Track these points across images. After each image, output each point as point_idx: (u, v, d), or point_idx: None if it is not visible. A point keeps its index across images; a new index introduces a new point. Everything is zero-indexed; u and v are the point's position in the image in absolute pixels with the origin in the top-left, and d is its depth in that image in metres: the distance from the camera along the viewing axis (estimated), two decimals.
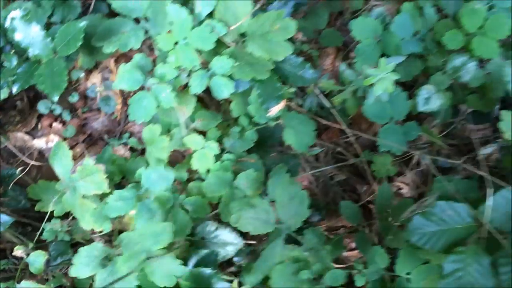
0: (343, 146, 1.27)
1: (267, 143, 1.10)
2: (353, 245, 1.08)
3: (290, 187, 0.80)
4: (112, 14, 0.94)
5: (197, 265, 0.80)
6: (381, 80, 0.87)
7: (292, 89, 0.95)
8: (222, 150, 0.95)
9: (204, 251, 0.82)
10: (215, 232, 0.96)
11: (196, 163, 0.88)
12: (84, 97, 1.22)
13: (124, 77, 0.82)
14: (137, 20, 0.92)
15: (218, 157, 0.92)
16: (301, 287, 0.77)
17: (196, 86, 0.86)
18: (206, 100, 1.10)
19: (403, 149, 1.03)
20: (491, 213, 0.77)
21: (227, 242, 0.91)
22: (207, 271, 0.77)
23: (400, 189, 1.17)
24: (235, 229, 0.87)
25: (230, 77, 0.86)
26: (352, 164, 1.24)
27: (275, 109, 0.89)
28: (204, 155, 0.89)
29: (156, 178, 0.84)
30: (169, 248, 0.80)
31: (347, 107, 1.06)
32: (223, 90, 0.86)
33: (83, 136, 1.23)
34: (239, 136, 0.98)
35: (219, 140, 0.97)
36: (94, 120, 1.24)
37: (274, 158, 1.09)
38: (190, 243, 0.96)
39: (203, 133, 0.95)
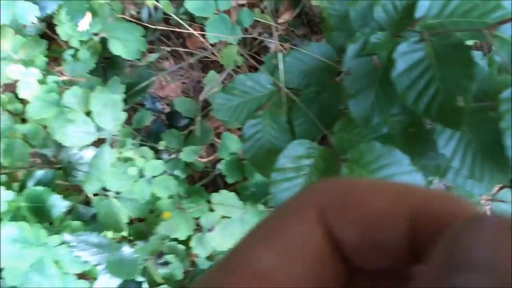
0: (209, 49, 1.30)
1: (117, 60, 1.13)
2: None
3: (102, 95, 0.84)
4: None
5: (35, 185, 0.87)
6: None
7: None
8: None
9: (40, 172, 0.89)
10: (79, 153, 1.03)
11: (23, 92, 0.92)
12: None
13: None
14: None
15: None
16: (132, 182, 0.84)
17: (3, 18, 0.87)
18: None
19: (238, 37, 1.06)
20: (285, 75, 0.82)
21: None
22: (40, 188, 0.83)
23: None
24: None
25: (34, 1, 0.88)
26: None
27: (84, 23, 0.91)
28: (27, 83, 0.92)
29: None
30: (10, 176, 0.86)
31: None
32: (28, 14, 0.88)
33: None
34: (74, 59, 1.01)
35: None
36: None
37: (128, 74, 1.13)
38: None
39: (32, 62, 0.97)
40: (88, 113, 0.88)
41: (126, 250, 0.73)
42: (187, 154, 0.84)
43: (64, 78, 1.05)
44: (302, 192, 0.18)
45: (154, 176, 0.84)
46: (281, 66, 0.81)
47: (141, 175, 0.83)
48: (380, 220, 0.16)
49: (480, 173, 0.62)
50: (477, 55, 0.70)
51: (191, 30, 1.13)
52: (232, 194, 0.94)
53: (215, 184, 1.39)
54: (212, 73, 1.00)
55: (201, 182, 1.27)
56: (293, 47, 0.83)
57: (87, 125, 0.83)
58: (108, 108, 0.82)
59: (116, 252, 0.73)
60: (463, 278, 0.12)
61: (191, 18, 1.24)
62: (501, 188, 1.51)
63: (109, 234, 0.96)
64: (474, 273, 0.12)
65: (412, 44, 0.58)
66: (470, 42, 0.62)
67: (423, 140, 0.72)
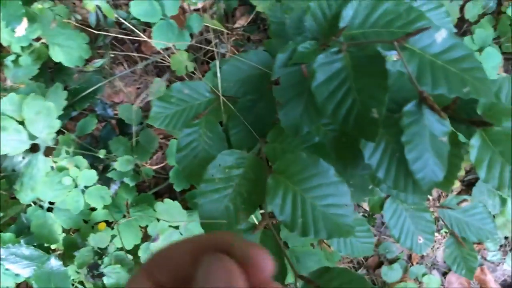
0: (164, 56, 1.28)
1: (65, 66, 1.10)
2: None
3: (35, 102, 0.82)
4: None
5: None
6: None
7: (42, 5, 0.94)
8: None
9: None
10: (24, 161, 1.00)
11: None
12: None
13: None
14: None
15: None
16: (67, 192, 0.82)
17: None
18: None
19: (187, 43, 1.05)
20: (223, 83, 0.81)
21: None
22: None
23: None
24: None
25: None
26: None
27: (20, 29, 0.89)
28: None
29: None
30: None
31: None
32: None
33: None
34: (15, 65, 0.99)
35: None
36: None
37: (76, 79, 1.10)
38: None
39: None
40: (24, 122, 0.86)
41: (54, 262, 0.71)
42: (121, 164, 0.82)
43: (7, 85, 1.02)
44: (140, 267, 0.28)
45: (87, 187, 0.81)
46: (218, 74, 0.80)
47: (75, 185, 0.81)
48: (176, 266, 0.27)
49: (404, 184, 0.62)
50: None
51: (142, 36, 1.11)
52: (176, 203, 0.93)
53: (171, 191, 1.37)
54: (157, 80, 0.98)
55: (154, 190, 1.25)
56: (232, 55, 0.82)
57: (20, 133, 0.80)
58: (42, 115, 0.80)
59: (44, 265, 0.71)
60: None
61: (145, 23, 1.22)
62: (447, 195, 1.53)
63: (52, 246, 0.93)
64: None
65: (331, 54, 0.57)
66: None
67: (356, 150, 0.72)
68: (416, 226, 1.02)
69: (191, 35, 1.08)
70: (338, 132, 0.72)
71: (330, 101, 0.57)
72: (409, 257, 1.54)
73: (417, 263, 1.52)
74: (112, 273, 0.90)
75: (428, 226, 1.01)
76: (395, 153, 0.62)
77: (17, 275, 0.78)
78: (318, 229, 0.59)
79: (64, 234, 0.87)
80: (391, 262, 1.49)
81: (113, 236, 0.92)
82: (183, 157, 0.77)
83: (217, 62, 0.81)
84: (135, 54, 1.22)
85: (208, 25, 1.11)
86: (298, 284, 0.55)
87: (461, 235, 1.02)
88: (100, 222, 0.82)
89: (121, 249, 0.96)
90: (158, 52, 1.31)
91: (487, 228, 1.03)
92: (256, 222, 0.67)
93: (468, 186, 1.53)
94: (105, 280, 0.89)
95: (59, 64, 1.15)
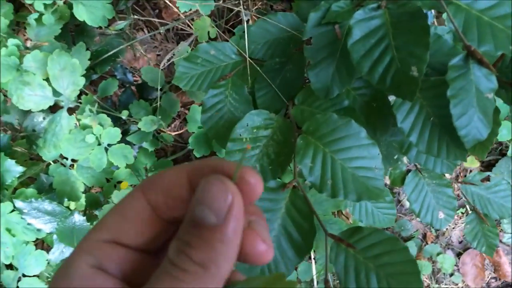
0: (185, 22, 1.26)
1: (86, 28, 1.09)
2: None
3: (60, 58, 0.81)
4: None
5: None
6: None
7: None
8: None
9: None
10: (44, 122, 1.01)
11: None
12: None
13: None
14: None
15: None
16: (90, 149, 0.81)
17: None
18: None
19: (211, 8, 1.02)
20: (250, 45, 0.79)
21: None
22: None
23: None
24: None
25: None
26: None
27: None
28: None
29: None
30: None
31: None
32: None
33: None
34: (38, 24, 0.98)
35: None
36: None
37: (98, 42, 1.09)
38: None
39: None
40: (48, 80, 0.85)
41: (77, 218, 0.71)
42: (146, 124, 0.82)
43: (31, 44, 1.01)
44: (136, 186, 0.29)
45: (110, 145, 0.81)
46: (246, 36, 0.78)
47: (98, 143, 0.81)
48: (170, 185, 0.28)
49: (437, 149, 0.60)
50: (442, 29, 0.68)
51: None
52: None
53: (189, 159, 1.37)
54: (182, 44, 0.96)
55: (173, 157, 1.25)
56: (260, 16, 0.80)
57: (44, 88, 0.80)
58: (67, 72, 0.79)
59: (67, 220, 0.71)
60: (198, 209, 0.25)
61: None
62: (470, 171, 1.51)
63: (72, 205, 0.93)
64: (201, 205, 0.25)
65: (369, 11, 0.55)
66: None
67: (386, 115, 0.70)
68: (437, 201, 1.00)
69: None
70: (369, 97, 0.71)
71: (366, 59, 0.55)
72: (424, 236, 1.53)
73: (431, 242, 1.51)
74: None
75: (450, 202, 1.00)
76: (430, 117, 0.61)
77: (38, 230, 0.78)
78: (348, 191, 0.58)
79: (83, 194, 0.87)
80: (406, 240, 1.48)
81: None
82: (208, 118, 0.76)
83: (245, 23, 0.79)
84: (156, 20, 1.20)
85: None
86: (327, 242, 0.54)
87: (483, 211, 1.01)
88: (122, 181, 0.82)
89: None
90: (178, 19, 1.29)
91: (510, 205, 1.01)
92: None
93: (488, 167, 1.50)
94: None
95: (80, 26, 1.14)
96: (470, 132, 0.47)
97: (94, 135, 0.80)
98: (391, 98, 0.72)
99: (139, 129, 1.02)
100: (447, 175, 1.46)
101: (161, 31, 1.18)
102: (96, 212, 0.81)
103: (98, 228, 0.27)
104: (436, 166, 0.74)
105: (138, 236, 0.27)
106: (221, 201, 0.24)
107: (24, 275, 0.83)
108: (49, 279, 0.90)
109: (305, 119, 0.69)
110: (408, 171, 1.02)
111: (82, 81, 0.80)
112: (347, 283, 0.50)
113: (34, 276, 0.86)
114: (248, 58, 0.78)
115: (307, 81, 0.78)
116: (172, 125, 1.36)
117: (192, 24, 1.14)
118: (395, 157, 0.84)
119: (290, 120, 0.68)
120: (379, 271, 0.51)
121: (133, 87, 1.16)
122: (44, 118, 1.03)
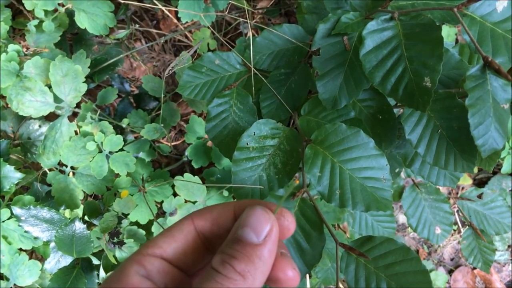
0: (182, 33, 1.26)
1: (85, 36, 1.08)
2: None
3: (62, 64, 0.80)
4: None
5: None
6: None
7: None
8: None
9: None
10: (40, 130, 0.99)
11: None
12: None
13: None
14: None
15: None
16: (90, 157, 0.80)
17: None
18: None
19: (212, 19, 1.03)
20: (255, 56, 0.79)
21: None
22: None
23: None
24: None
25: None
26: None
27: None
28: None
29: None
30: None
31: None
32: None
33: None
34: (38, 30, 0.97)
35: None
36: None
37: (96, 51, 1.08)
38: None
39: None
40: (49, 86, 0.84)
41: (78, 225, 0.69)
42: (148, 132, 0.81)
43: (29, 50, 1.00)
44: (186, 215, 0.34)
45: (112, 152, 0.79)
46: (251, 46, 0.78)
47: (99, 151, 0.79)
48: (218, 215, 0.34)
49: (444, 161, 0.61)
50: (449, 44, 0.70)
51: (164, 10, 1.10)
52: (197, 177, 0.91)
53: (183, 171, 1.36)
54: (183, 53, 0.96)
55: (168, 168, 1.24)
56: (265, 27, 0.81)
57: (45, 94, 0.78)
58: (68, 78, 0.78)
59: (67, 228, 0.69)
60: (243, 230, 0.30)
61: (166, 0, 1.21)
62: (457, 193, 1.52)
63: (67, 213, 0.91)
64: (246, 227, 0.30)
65: (382, 22, 0.56)
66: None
67: (391, 127, 0.71)
68: (434, 217, 1.01)
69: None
70: (374, 109, 0.71)
71: (379, 69, 0.55)
72: (416, 252, 1.53)
73: (424, 258, 1.51)
74: (125, 248, 0.89)
75: (446, 217, 1.00)
76: (437, 129, 0.61)
77: (35, 238, 0.76)
78: (356, 201, 0.58)
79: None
80: None
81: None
82: (213, 127, 0.76)
83: (250, 34, 0.79)
84: (154, 30, 1.20)
85: (233, 2, 1.09)
86: (338, 252, 0.54)
87: (479, 227, 1.02)
88: (123, 189, 0.80)
89: (134, 223, 0.94)
90: (176, 31, 1.30)
91: (506, 221, 1.02)
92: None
93: (479, 184, 1.52)
94: (117, 253, 0.87)
95: (78, 35, 1.13)
96: (487, 141, 0.47)
97: (96, 142, 0.79)
98: (396, 110, 0.72)
99: (136, 138, 1.00)
100: (442, 190, 1.47)
101: (159, 42, 1.18)
102: (95, 222, 0.79)
103: (150, 244, 0.32)
104: (439, 179, 0.75)
105: (182, 255, 0.32)
106: (263, 225, 0.30)
107: (15, 285, 0.81)
108: None
109: (311, 129, 0.69)
110: (407, 185, 1.03)
111: (84, 88, 0.79)
112: None
113: (26, 287, 0.83)
114: (253, 68, 0.78)
115: (312, 92, 0.79)
116: (167, 137, 1.35)
117: (190, 36, 1.14)
118: (396, 170, 0.84)
119: (297, 130, 0.68)
120: (391, 281, 0.50)
121: (130, 98, 1.15)
122: (40, 126, 1.01)
